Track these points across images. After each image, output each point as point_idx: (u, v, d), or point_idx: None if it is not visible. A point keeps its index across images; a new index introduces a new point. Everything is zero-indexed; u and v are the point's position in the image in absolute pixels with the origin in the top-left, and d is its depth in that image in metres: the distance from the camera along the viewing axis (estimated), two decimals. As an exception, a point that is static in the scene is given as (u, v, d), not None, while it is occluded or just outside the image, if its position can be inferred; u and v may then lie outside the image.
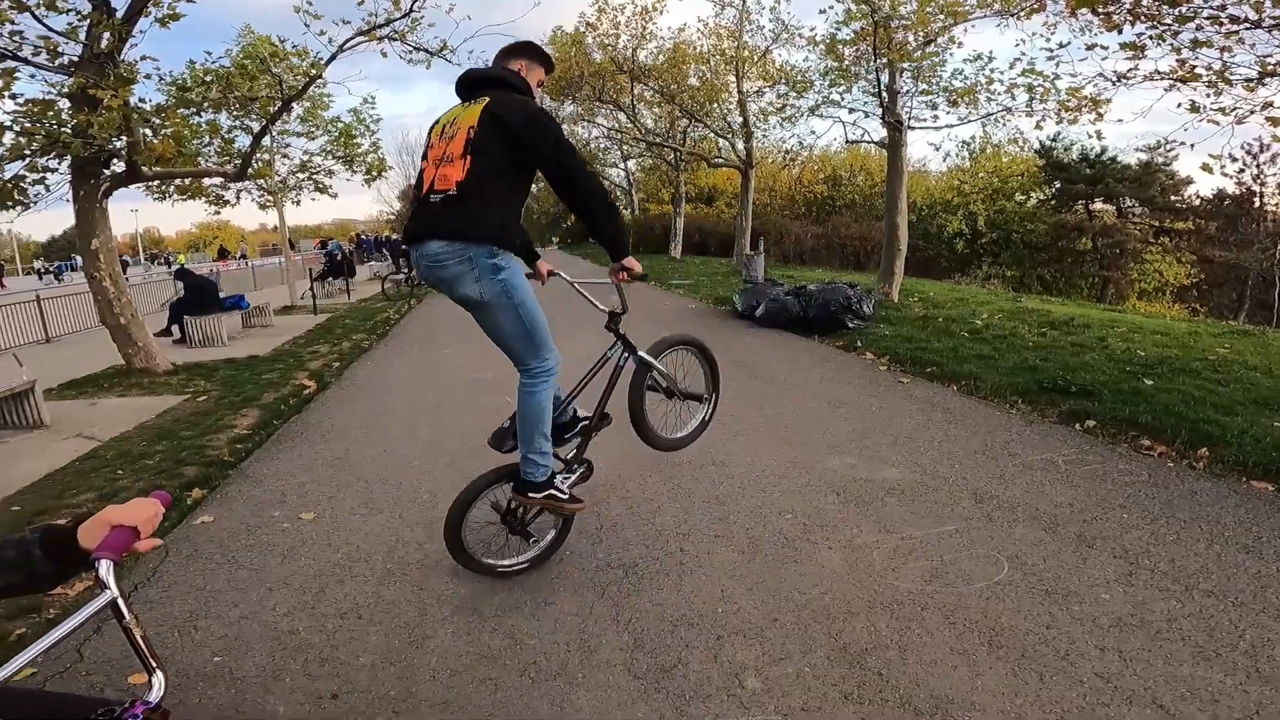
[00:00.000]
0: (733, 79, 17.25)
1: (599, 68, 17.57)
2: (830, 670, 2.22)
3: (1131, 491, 3.50)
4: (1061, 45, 6.68)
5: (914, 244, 12.49)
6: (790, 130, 31.54)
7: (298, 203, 14.91)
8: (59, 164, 6.87)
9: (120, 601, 1.03)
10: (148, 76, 7.95)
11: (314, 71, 8.19)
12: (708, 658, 2.30)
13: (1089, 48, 6.11)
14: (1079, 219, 26.89)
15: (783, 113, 15.19)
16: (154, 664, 1.06)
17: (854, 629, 2.43)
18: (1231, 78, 5.26)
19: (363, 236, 35.58)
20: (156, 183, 9.44)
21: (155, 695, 1.02)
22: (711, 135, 20.38)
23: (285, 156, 14.07)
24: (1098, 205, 27.63)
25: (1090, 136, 11.33)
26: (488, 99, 2.43)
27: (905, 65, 9.84)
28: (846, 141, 12.91)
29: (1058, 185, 27.96)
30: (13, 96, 6.30)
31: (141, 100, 7.27)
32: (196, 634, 2.57)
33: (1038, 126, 9.21)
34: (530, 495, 2.68)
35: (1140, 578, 2.69)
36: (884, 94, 10.10)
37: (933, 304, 10.14)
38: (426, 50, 8.36)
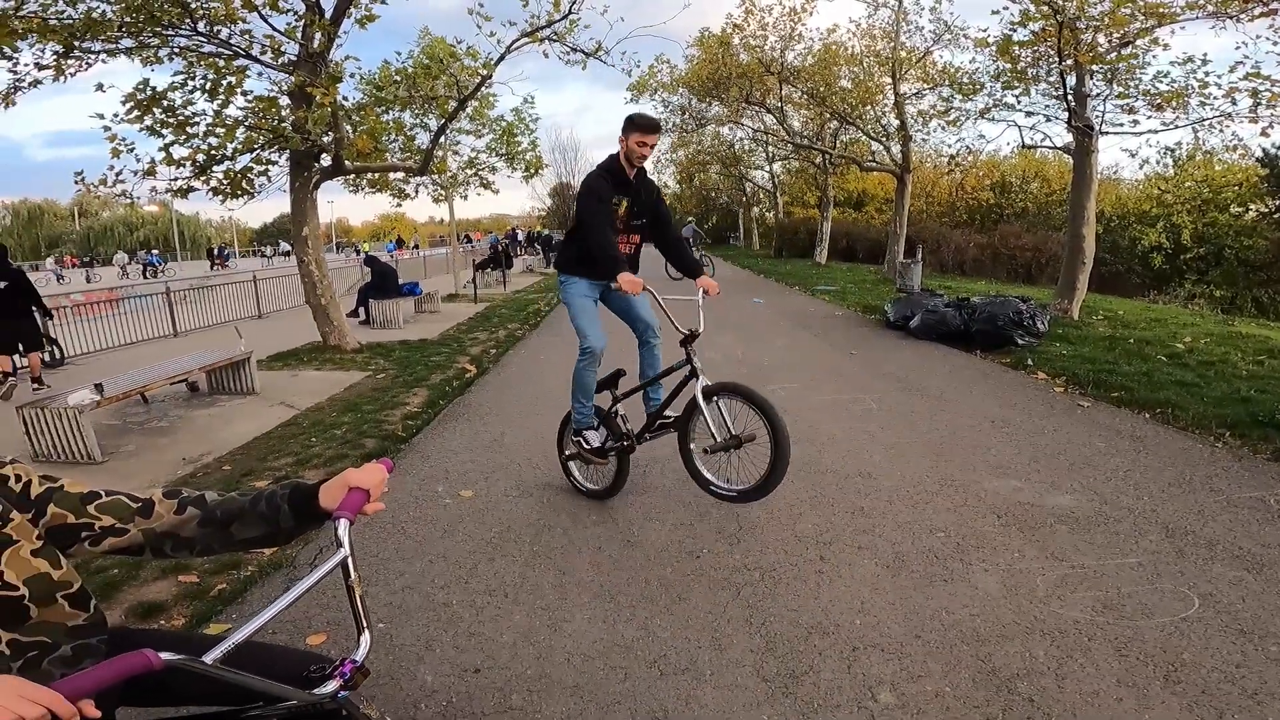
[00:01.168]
0: (888, 81, 16.44)
1: (746, 69, 17.39)
2: (974, 692, 2.10)
3: (1359, 540, 3.00)
4: None
5: (1100, 257, 11.24)
6: (955, 134, 29.55)
7: (465, 197, 16.03)
8: (280, 157, 7.84)
9: (350, 561, 1.11)
10: (351, 76, 8.87)
11: (485, 71, 8.75)
12: (840, 668, 2.25)
13: None
14: (1310, 235, 22.93)
15: (946, 116, 14.22)
16: (365, 623, 1.12)
17: (1006, 653, 2.28)
18: None
19: (515, 230, 37.66)
20: (353, 176, 10.53)
21: (362, 654, 1.09)
22: (863, 138, 19.52)
23: (455, 153, 15.18)
24: (1332, 221, 23.41)
25: (1328, 146, 9.69)
26: None
27: (1096, 67, 8.92)
28: (1022, 146, 11.83)
29: (1284, 197, 24.02)
30: (244, 93, 7.25)
31: (344, 98, 8.08)
32: (367, 600, 2.77)
33: (1264, 133, 8.05)
34: (573, 436, 3.66)
35: (1356, 626, 2.33)
36: (1070, 97, 9.20)
37: (1122, 323, 9.09)
38: (583, 51, 8.71)
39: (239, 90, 7.13)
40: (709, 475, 3.22)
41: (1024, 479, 3.83)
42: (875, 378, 6.37)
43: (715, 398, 3.11)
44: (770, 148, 27.84)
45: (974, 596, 2.63)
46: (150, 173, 7.30)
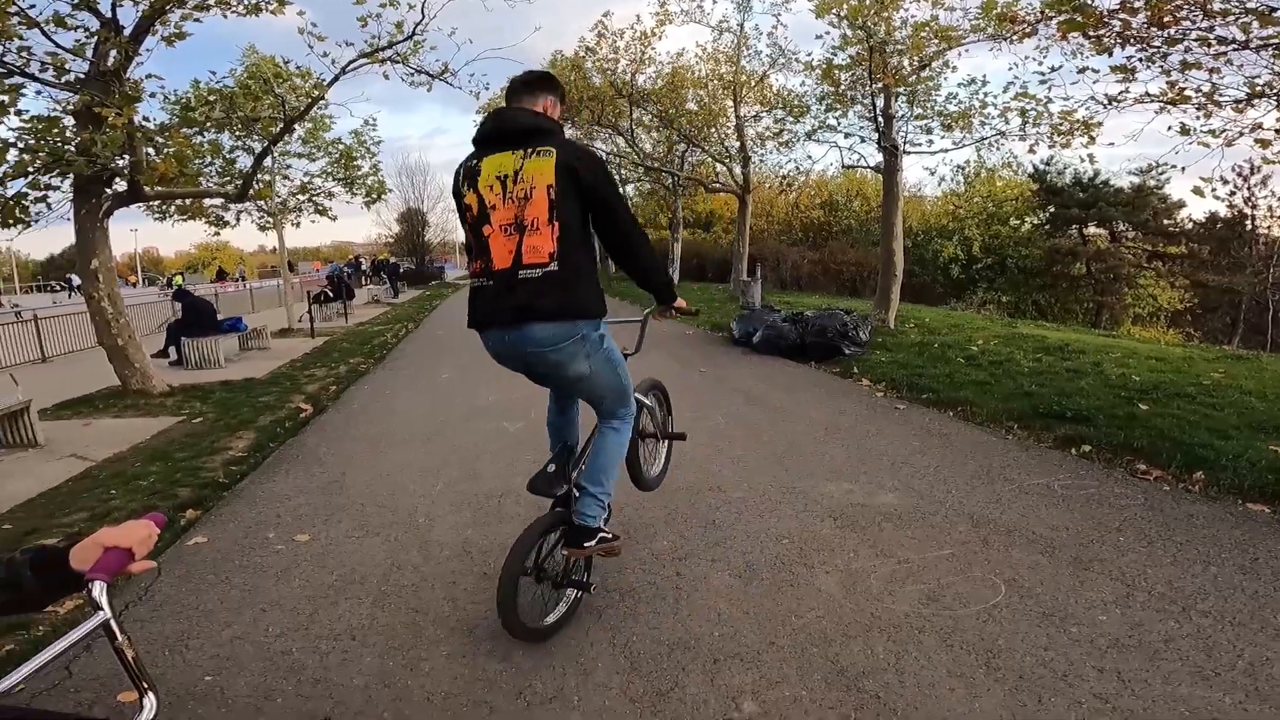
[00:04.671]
0: (730, 104, 17.44)
1: (598, 92, 17.74)
2: (827, 694, 2.21)
3: (1128, 515, 3.52)
4: (1054, 69, 6.66)
5: (909, 269, 12.60)
6: (788, 155, 31.99)
7: (297, 225, 14.96)
8: (62, 182, 6.88)
9: (113, 623, 1.02)
10: (152, 95, 7.98)
11: (316, 93, 8.26)
12: (704, 681, 2.29)
13: (1080, 71, 6.08)
14: (1073, 243, 26.99)
15: (780, 137, 15.33)
16: (145, 685, 1.04)
17: (851, 652, 2.42)
18: (1220, 99, 5.24)
19: (358, 259, 35.58)
20: (157, 203, 9.46)
21: (146, 717, 1.01)
22: (709, 160, 20.56)
23: (286, 178, 14.17)
24: (1091, 229, 27.61)
25: (1083, 160, 11.47)
26: (555, 150, 2.23)
27: (900, 90, 9.97)
28: (843, 166, 12.98)
29: (1051, 209, 27.95)
30: (18, 113, 6.32)
31: (146, 119, 7.27)
32: (188, 653, 2.56)
33: (1031, 150, 9.36)
34: (585, 546, 2.47)
35: (1137, 599, 2.70)
36: (879, 118, 10.21)
37: (929, 330, 10.19)
38: (428, 73, 8.45)
39: (12, 110, 6.21)
40: (654, 473, 3.40)
41: (854, 481, 4.13)
42: (722, 393, 6.65)
43: (651, 392, 3.29)
44: (623, 170, 28.50)
45: (819, 598, 2.78)
46: (-98, 201, 6.14)
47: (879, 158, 10.77)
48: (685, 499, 3.90)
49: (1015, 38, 6.99)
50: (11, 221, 6.69)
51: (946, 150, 11.72)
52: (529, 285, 2.20)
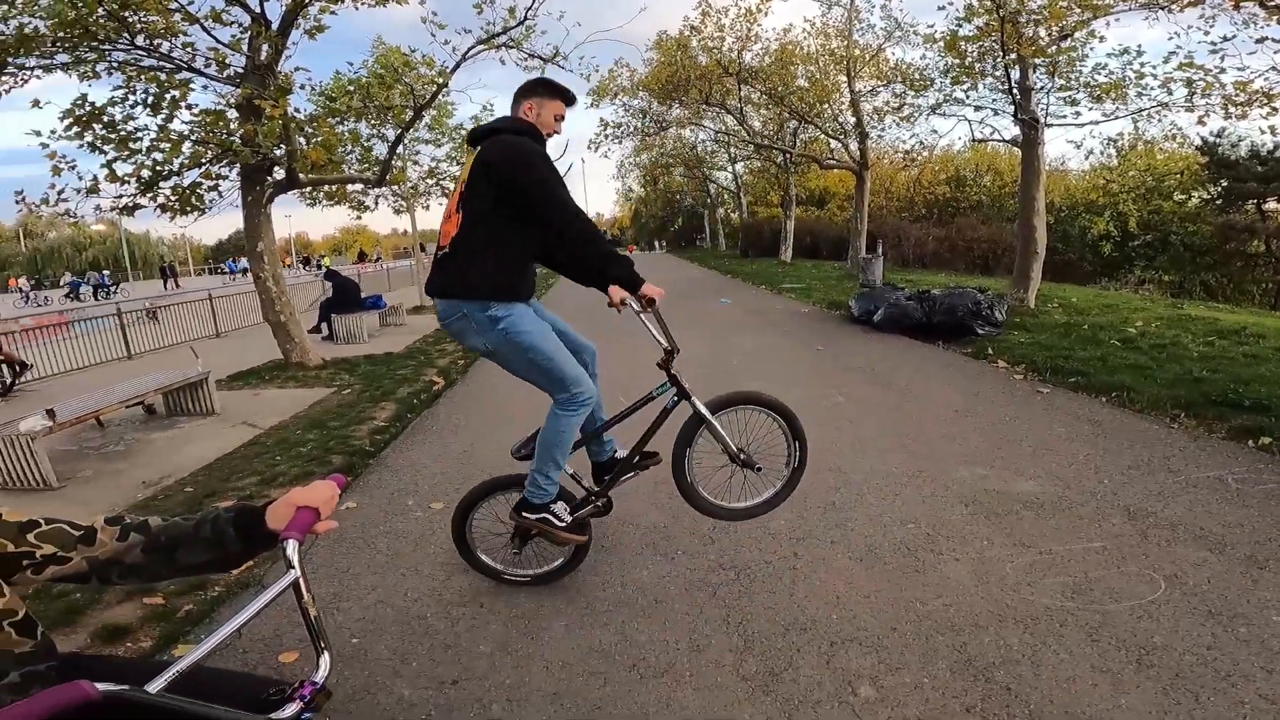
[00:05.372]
0: (843, 79, 16.71)
1: (705, 71, 17.51)
2: (952, 682, 2.12)
3: (1315, 515, 3.11)
4: (1225, 38, 6.13)
5: (1052, 246, 11.57)
6: (909, 130, 30.24)
7: (427, 207, 15.85)
8: (230, 171, 7.63)
9: (302, 582, 1.08)
10: (301, 88, 8.65)
11: (441, 80, 8.65)
12: (819, 663, 2.25)
13: (1258, 41, 5.72)
14: (1250, 219, 23.90)
15: (900, 112, 14.56)
16: (323, 644, 1.09)
17: (981, 642, 2.30)
18: None
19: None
20: (309, 189, 10.31)
21: (322, 675, 1.06)
22: (822, 136, 19.81)
23: (415, 163, 14.99)
24: (1271, 205, 24.45)
25: (1262, 132, 10.16)
26: (482, 148, 2.44)
27: (1038, 61, 9.19)
28: (973, 140, 12.08)
29: (1224, 184, 25.00)
30: (188, 107, 7.03)
31: (296, 110, 7.90)
32: (339, 615, 2.73)
33: (1200, 122, 8.40)
34: (524, 515, 2.63)
35: (1321, 604, 2.40)
36: (1015, 91, 9.45)
37: (1076, 310, 9.37)
38: (540, 57, 8.64)
39: (184, 104, 6.93)
40: (739, 505, 2.81)
41: (989, 467, 3.89)
42: (842, 372, 6.44)
43: (726, 410, 2.68)
44: (732, 148, 28.08)
45: (946, 586, 2.66)
46: (94, 190, 7.02)
47: (1015, 131, 10.01)
48: (805, 479, 3.77)
49: (1176, 7, 6.37)
50: (188, 209, 7.49)
51: (1096, 122, 10.71)
52: (435, 266, 2.53)
